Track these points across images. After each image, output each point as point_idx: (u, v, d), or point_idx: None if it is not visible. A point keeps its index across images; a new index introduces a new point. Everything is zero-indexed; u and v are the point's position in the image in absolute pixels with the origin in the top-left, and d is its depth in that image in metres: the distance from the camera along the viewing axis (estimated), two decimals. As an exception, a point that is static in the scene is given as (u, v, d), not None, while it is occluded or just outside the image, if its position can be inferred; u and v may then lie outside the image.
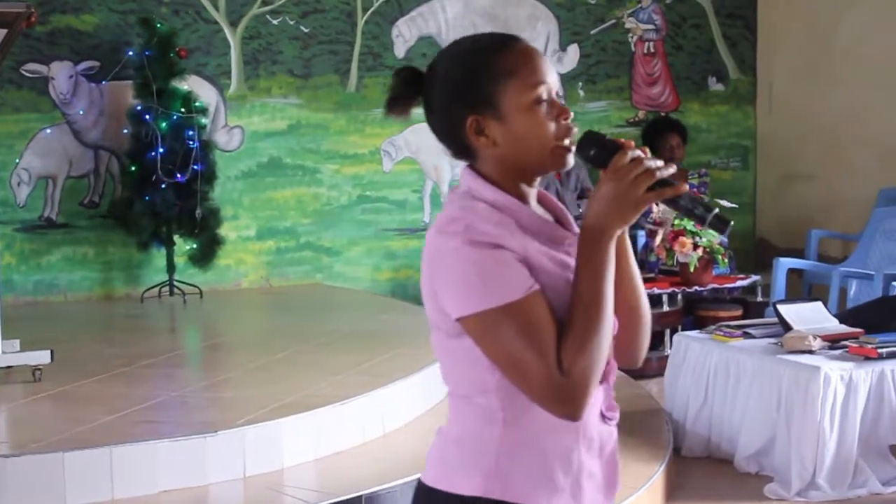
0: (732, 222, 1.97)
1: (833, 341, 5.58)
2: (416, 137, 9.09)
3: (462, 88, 2.03)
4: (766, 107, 9.91)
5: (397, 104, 2.10)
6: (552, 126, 2.01)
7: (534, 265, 1.95)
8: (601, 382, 2.01)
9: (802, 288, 8.28)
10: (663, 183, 1.92)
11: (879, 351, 5.37)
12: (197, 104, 8.12)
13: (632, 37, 9.61)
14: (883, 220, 7.62)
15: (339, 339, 6.69)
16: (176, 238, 8.18)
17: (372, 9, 8.98)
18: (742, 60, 9.98)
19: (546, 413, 1.94)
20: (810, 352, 5.46)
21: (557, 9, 9.43)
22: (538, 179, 2.09)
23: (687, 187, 1.94)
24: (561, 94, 2.06)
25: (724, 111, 9.97)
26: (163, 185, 7.91)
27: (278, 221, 8.86)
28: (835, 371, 5.24)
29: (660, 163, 1.92)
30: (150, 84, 7.92)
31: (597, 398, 2.03)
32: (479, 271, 1.91)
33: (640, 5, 9.67)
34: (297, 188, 8.89)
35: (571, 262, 1.99)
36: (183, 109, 7.99)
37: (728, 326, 6.02)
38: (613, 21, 9.56)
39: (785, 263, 7.62)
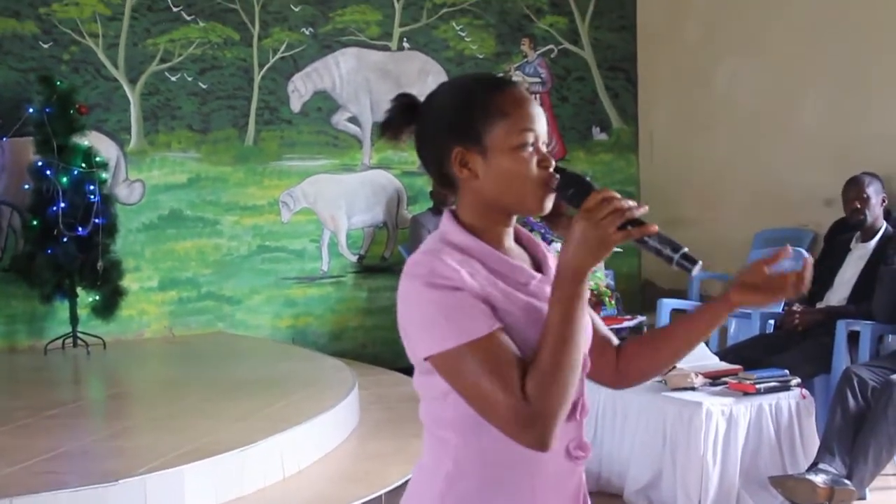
0: (700, 262, 1.94)
1: (714, 378, 5.67)
2: (314, 188, 9.26)
3: (454, 119, 2.06)
4: (647, 154, 10.15)
5: (390, 128, 2.14)
6: (534, 170, 2.04)
7: (497, 306, 1.98)
8: (570, 419, 2.05)
9: (685, 327, 8.43)
10: (633, 223, 1.91)
11: (757, 386, 5.47)
12: (97, 159, 8.19)
13: (519, 89, 9.86)
14: (759, 261, 7.77)
15: (240, 386, 6.72)
16: (78, 290, 8.21)
17: (268, 65, 9.14)
18: (624, 110, 10.25)
19: (500, 450, 2.00)
20: (692, 388, 5.54)
21: (447, 63, 9.68)
22: (513, 218, 2.12)
23: (656, 227, 1.93)
24: (547, 142, 2.09)
25: (608, 159, 10.22)
26: (64, 239, 7.97)
27: (180, 272, 8.92)
28: (716, 406, 5.32)
29: (631, 203, 1.92)
30: (51, 140, 7.98)
31: (565, 434, 2.05)
32: (442, 312, 1.95)
33: (526, 59, 9.94)
34: (197, 239, 8.97)
35: (536, 302, 2.04)
36: (84, 164, 8.07)
37: (615, 366, 6.10)
38: (500, 75, 9.76)
39: (668, 304, 7.74)
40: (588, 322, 2.10)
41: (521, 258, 2.13)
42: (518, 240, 2.16)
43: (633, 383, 2.28)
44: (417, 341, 2.01)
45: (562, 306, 1.95)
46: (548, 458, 2.02)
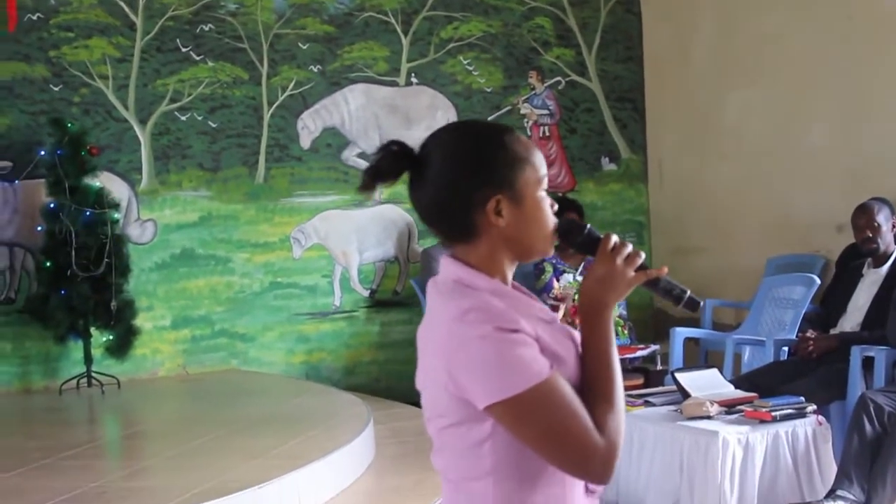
0: (702, 303, 2.18)
1: (729, 406, 5.70)
2: (325, 224, 9.28)
3: (483, 168, 2.05)
4: (657, 184, 10.17)
5: (382, 176, 2.08)
6: (552, 215, 2.11)
7: (544, 346, 1.99)
8: None
9: (699, 355, 8.39)
10: (643, 266, 2.10)
11: (773, 414, 5.51)
12: (109, 200, 8.22)
13: (527, 122, 9.88)
14: (771, 288, 7.74)
15: (255, 423, 6.72)
16: (92, 330, 8.21)
17: (277, 102, 9.18)
18: (632, 141, 10.25)
19: (536, 493, 2.01)
20: (708, 417, 5.56)
21: (455, 98, 9.68)
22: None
23: (666, 269, 2.14)
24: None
25: (617, 189, 10.22)
26: (78, 280, 7.98)
27: (193, 310, 8.93)
28: (732, 435, 5.36)
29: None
30: (63, 182, 8.01)
31: None
32: (509, 356, 1.93)
33: (533, 92, 9.95)
34: (210, 277, 8.98)
35: (568, 340, 2.09)
36: (95, 205, 8.08)
37: (630, 396, 6.00)
38: (509, 108, 9.82)
39: (681, 333, 7.76)
40: None
41: None
42: None
43: None
44: (478, 388, 1.95)
45: (599, 339, 2.05)
46: (577, 496, 2.08)
